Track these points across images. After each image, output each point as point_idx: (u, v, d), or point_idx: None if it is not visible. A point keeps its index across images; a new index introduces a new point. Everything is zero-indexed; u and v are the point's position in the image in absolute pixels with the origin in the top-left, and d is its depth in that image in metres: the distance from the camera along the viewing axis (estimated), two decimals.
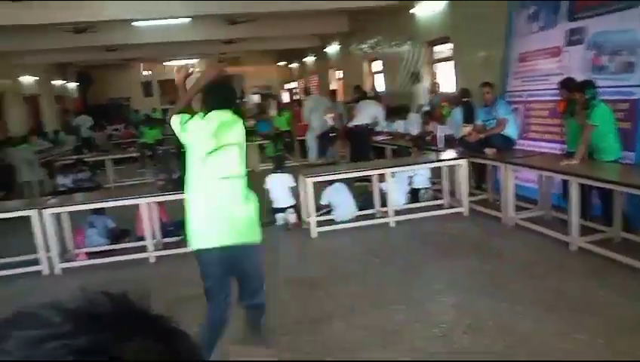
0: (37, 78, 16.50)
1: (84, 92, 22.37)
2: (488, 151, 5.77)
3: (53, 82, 18.69)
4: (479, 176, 6.82)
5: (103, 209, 5.78)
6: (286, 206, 6.20)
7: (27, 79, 15.92)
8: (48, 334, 0.39)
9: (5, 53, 12.80)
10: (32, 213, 5.08)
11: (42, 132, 13.86)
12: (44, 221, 5.07)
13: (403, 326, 3.49)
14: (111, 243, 5.72)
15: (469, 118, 6.53)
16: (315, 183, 5.83)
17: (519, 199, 5.72)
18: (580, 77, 5.22)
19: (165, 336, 0.43)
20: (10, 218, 5.33)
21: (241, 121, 2.85)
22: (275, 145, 11.37)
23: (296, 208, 6.22)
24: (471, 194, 6.25)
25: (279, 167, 6.54)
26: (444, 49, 9.46)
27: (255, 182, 7.03)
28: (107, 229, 5.81)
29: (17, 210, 5.38)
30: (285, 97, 22.27)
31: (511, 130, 5.84)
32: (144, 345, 0.40)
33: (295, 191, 6.18)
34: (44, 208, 5.15)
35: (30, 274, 5.09)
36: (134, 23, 10.10)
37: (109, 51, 14.34)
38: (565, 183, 4.90)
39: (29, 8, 7.77)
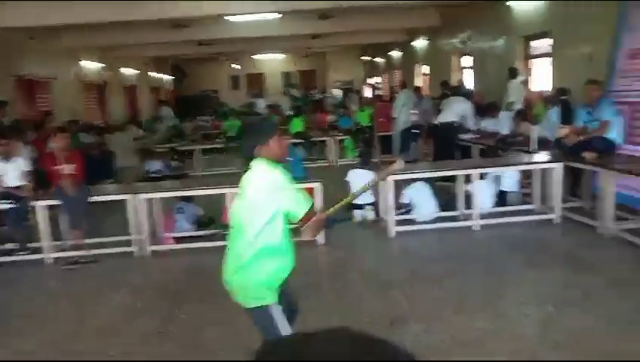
0: (136, 70, 17.68)
1: (177, 84, 23.66)
2: (587, 155, 5.34)
3: (150, 74, 19.94)
4: (574, 181, 6.35)
5: (191, 196, 6.06)
6: (365, 203, 6.15)
7: (127, 71, 17.11)
8: None
9: (110, 47, 13.81)
10: (128, 198, 5.43)
11: (138, 121, 14.80)
12: (138, 205, 5.40)
13: (485, 336, 3.33)
14: (197, 230, 5.99)
15: (566, 118, 6.09)
16: (395, 181, 5.71)
17: (619, 208, 5.25)
18: None
19: None
20: (107, 201, 5.73)
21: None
22: (355, 140, 11.33)
23: (375, 206, 6.14)
24: (564, 201, 5.83)
25: (365, 163, 6.48)
26: (542, 44, 8.90)
27: (334, 176, 7.12)
28: (195, 216, 6.09)
29: (115, 194, 5.78)
30: (368, 92, 22.16)
31: (615, 133, 5.37)
32: None
33: (375, 189, 6.10)
34: (138, 193, 5.48)
35: (124, 254, 5.44)
36: (227, 18, 10.45)
37: (201, 45, 15.00)
38: None
39: (130, 6, 8.28)
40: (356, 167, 6.48)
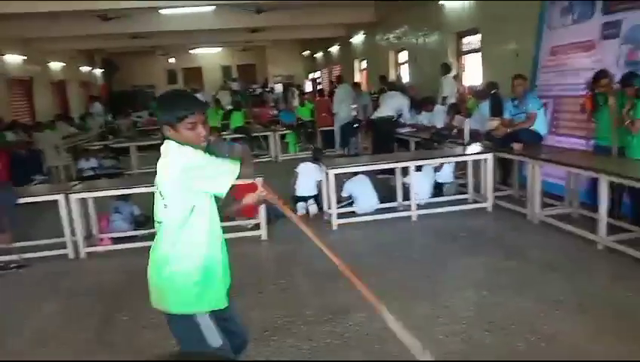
0: (64, 64, 16.79)
1: (109, 79, 22.69)
2: (515, 145, 5.64)
3: (80, 68, 19.01)
4: (504, 171, 6.70)
5: (129, 195, 5.86)
6: (308, 195, 6.23)
7: (55, 65, 16.21)
8: None
9: (35, 39, 13.04)
10: (60, 198, 5.17)
11: (68, 117, 14.08)
12: (71, 206, 5.16)
13: (424, 321, 3.45)
14: (135, 230, 5.81)
15: (496, 111, 6.40)
16: (337, 175, 5.79)
17: (545, 195, 5.59)
18: (613, 72, 5.05)
19: None
20: (37, 202, 5.44)
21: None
22: (297, 135, 11.35)
23: (318, 199, 6.21)
24: (496, 190, 6.14)
25: (316, 158, 6.54)
26: (472, 40, 9.28)
27: (277, 171, 7.10)
28: (132, 215, 5.90)
29: (45, 195, 5.50)
30: (309, 87, 22.22)
31: (540, 125, 5.70)
32: None
33: (319, 183, 6.18)
34: (71, 193, 5.24)
35: (56, 257, 5.20)
36: (161, 11, 10.15)
37: (134, 38, 14.47)
38: (594, 180, 4.77)
39: None
40: (307, 161, 6.54)
